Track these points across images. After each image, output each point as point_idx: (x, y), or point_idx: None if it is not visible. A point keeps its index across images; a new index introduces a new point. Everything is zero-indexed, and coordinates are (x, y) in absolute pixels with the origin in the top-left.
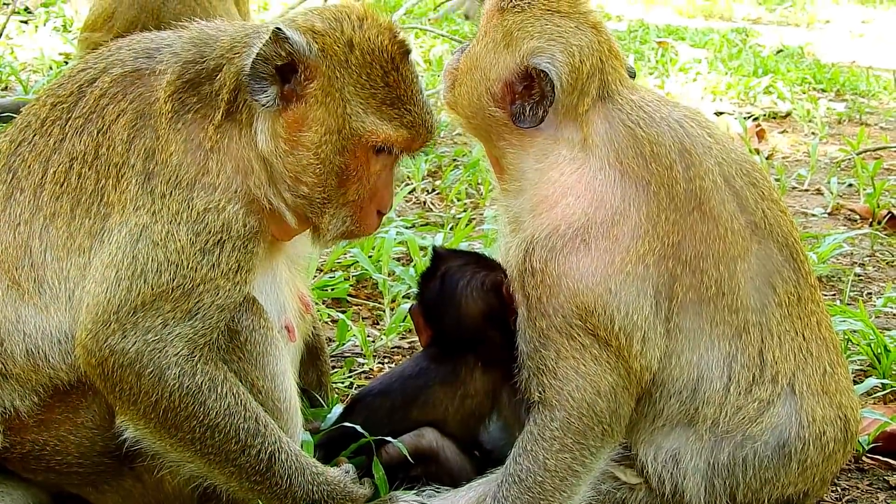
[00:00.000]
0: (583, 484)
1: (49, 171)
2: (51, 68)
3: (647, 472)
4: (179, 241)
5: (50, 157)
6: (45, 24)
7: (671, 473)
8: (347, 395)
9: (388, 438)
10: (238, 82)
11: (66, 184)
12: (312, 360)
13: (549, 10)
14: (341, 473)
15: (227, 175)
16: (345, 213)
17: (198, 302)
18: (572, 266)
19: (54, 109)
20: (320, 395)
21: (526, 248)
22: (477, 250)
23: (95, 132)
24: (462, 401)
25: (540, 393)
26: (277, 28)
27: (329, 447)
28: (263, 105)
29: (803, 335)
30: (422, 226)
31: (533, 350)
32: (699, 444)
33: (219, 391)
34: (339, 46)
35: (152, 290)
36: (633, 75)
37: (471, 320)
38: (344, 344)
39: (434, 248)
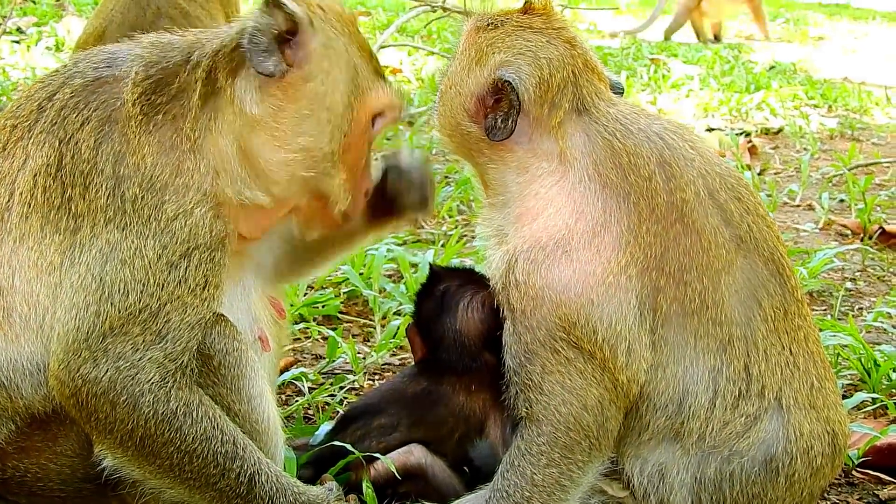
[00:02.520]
0: (571, 499)
1: (15, 192)
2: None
3: (634, 485)
4: (146, 256)
5: (15, 179)
6: (37, 44)
7: (657, 488)
8: (338, 410)
9: (377, 455)
10: (214, 62)
11: (32, 202)
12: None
13: (520, 27)
14: (324, 492)
15: (200, 174)
16: (345, 177)
17: (166, 322)
18: (554, 278)
19: (15, 131)
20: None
21: (509, 260)
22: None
23: (58, 143)
24: (465, 421)
25: (527, 408)
26: None
27: (318, 465)
28: (271, 74)
29: (790, 349)
30: (413, 242)
31: (519, 365)
32: (685, 459)
33: (194, 416)
34: (320, 8)
35: (119, 313)
36: (620, 91)
37: (470, 340)
38: (334, 361)
39: (431, 266)
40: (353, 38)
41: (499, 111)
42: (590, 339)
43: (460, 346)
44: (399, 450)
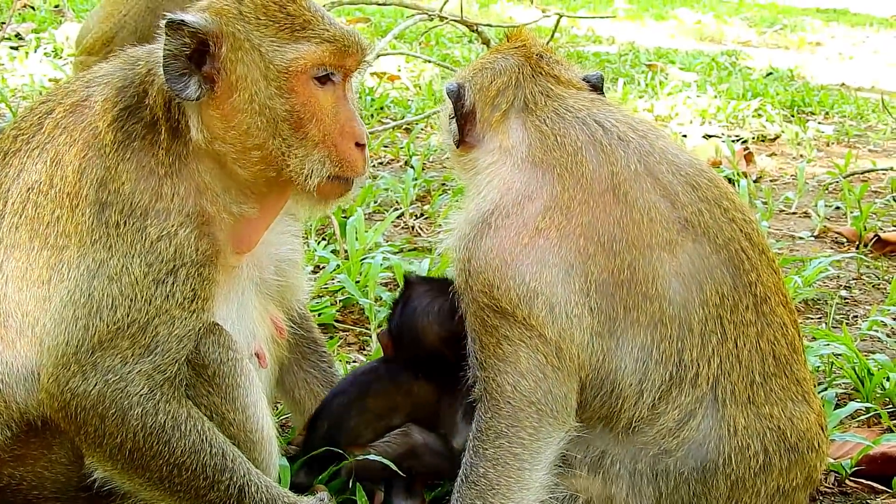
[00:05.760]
0: (530, 471)
1: (9, 202)
2: (40, 94)
3: (578, 469)
4: (133, 274)
5: (10, 188)
6: (35, 51)
7: (600, 475)
8: None
9: (373, 457)
10: (166, 96)
11: (23, 214)
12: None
13: (491, 52)
14: (315, 502)
15: (180, 197)
16: (318, 154)
17: (154, 335)
18: (478, 248)
19: (15, 142)
20: None
21: (451, 246)
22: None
23: (49, 161)
24: (406, 396)
25: (480, 390)
26: (170, 20)
27: (310, 467)
28: (195, 98)
29: (735, 342)
30: (409, 251)
31: (470, 351)
32: (620, 449)
33: (182, 429)
34: (227, 4)
35: (108, 327)
36: (598, 88)
37: (427, 344)
38: None
39: (405, 276)
40: (255, 18)
41: (451, 119)
42: (507, 298)
43: (419, 348)
44: (396, 430)
